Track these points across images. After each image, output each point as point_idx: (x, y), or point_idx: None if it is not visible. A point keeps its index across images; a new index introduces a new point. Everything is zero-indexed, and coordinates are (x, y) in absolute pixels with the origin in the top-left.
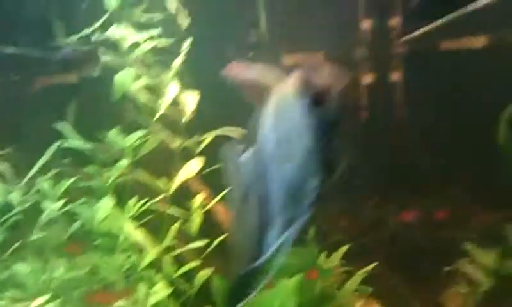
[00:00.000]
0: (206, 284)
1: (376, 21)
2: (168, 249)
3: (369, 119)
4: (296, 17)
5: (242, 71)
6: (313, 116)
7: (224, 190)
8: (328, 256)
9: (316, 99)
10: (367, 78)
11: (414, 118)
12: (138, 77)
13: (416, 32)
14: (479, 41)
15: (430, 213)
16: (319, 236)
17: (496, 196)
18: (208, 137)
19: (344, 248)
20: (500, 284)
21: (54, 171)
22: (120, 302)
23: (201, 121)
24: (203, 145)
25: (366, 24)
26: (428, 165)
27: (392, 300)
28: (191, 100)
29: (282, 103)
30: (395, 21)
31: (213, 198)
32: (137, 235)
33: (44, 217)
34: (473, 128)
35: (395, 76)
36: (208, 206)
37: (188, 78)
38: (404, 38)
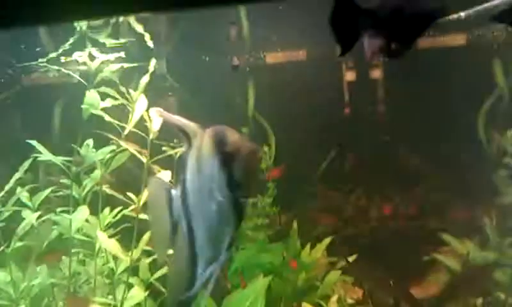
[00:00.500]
0: None
1: None
2: (145, 255)
3: (351, 115)
4: (276, 17)
5: (165, 116)
6: (225, 172)
7: None
8: (312, 248)
9: (227, 157)
10: (349, 76)
11: (393, 113)
12: (106, 96)
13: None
14: (457, 39)
15: (409, 205)
16: (302, 229)
17: (475, 190)
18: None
19: (327, 240)
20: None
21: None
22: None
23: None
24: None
25: None
26: (408, 159)
27: (374, 288)
28: (157, 117)
29: (201, 156)
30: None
31: None
32: (109, 242)
33: (23, 226)
34: (452, 123)
35: (376, 73)
36: None
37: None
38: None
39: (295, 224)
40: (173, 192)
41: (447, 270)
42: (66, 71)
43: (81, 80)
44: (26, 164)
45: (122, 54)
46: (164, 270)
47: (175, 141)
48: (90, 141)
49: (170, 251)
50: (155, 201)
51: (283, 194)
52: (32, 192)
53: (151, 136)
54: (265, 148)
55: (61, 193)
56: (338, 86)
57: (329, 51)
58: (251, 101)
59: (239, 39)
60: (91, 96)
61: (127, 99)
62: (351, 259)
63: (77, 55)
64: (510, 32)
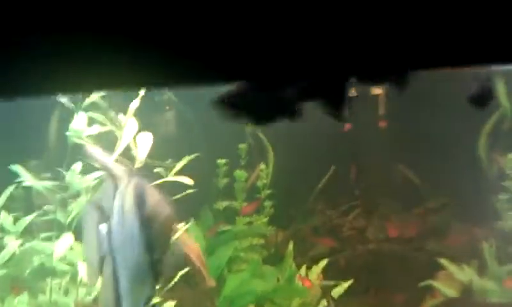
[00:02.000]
0: None
1: None
2: None
3: (351, 132)
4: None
5: (95, 155)
6: (142, 233)
7: (189, 220)
8: (308, 269)
9: (145, 220)
10: (349, 91)
11: (393, 133)
12: (94, 122)
13: None
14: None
15: (408, 227)
16: (298, 249)
17: (474, 213)
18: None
19: (323, 263)
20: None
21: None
22: None
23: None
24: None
25: None
26: (407, 179)
27: None
28: (145, 143)
29: (124, 207)
30: None
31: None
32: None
33: (3, 255)
34: (453, 144)
35: (377, 90)
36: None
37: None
38: None
39: (290, 246)
40: (102, 227)
41: (443, 297)
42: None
43: (69, 103)
44: (9, 190)
45: None
46: (153, 301)
47: (168, 161)
48: (77, 166)
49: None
50: (88, 234)
51: (280, 213)
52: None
53: (136, 165)
54: (263, 166)
55: (46, 218)
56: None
57: None
58: None
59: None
60: (77, 123)
61: (115, 125)
62: (344, 286)
63: None
64: None
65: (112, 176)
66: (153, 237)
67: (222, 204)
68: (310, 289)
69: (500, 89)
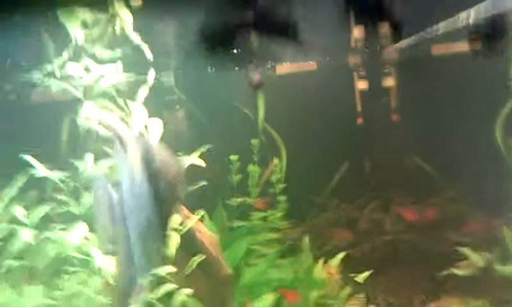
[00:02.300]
0: (184, 305)
1: (367, 28)
2: None
3: (364, 125)
4: (288, 27)
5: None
6: (152, 189)
7: (203, 209)
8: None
9: (153, 176)
10: (361, 85)
11: (408, 123)
12: (103, 108)
13: (408, 39)
14: (472, 45)
15: (426, 216)
16: (315, 244)
17: (493, 201)
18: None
19: (341, 255)
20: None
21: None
22: None
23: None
24: None
25: (357, 32)
26: (423, 170)
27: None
28: (156, 128)
29: (132, 168)
30: (386, 28)
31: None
32: (105, 260)
33: (18, 245)
34: (468, 132)
35: (389, 82)
36: (187, 227)
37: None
38: (396, 45)
39: (307, 239)
40: (114, 197)
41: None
42: (62, 84)
43: (77, 93)
44: (20, 180)
45: (120, 65)
46: (166, 288)
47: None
48: (90, 156)
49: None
50: (99, 203)
51: (295, 207)
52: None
53: None
54: (276, 160)
55: (60, 210)
56: (350, 96)
57: (340, 61)
58: (262, 112)
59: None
60: (87, 108)
61: (125, 112)
62: (362, 276)
63: (71, 68)
64: None
65: (121, 141)
66: (163, 193)
67: (236, 200)
68: (329, 280)
69: None
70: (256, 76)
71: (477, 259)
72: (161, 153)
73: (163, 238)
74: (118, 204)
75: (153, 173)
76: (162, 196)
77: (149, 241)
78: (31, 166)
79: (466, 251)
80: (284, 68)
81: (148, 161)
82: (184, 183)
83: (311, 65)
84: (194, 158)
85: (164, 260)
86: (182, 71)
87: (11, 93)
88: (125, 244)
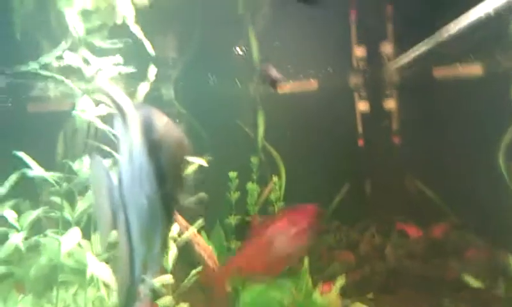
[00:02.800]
0: None
1: (369, 48)
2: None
3: (365, 147)
4: (290, 45)
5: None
6: (152, 162)
7: (201, 220)
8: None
9: (153, 146)
10: (362, 106)
11: (410, 146)
12: (99, 104)
13: (409, 59)
14: (473, 68)
15: (428, 242)
16: (315, 266)
17: (497, 229)
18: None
19: (341, 280)
20: None
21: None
22: None
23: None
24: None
25: (359, 51)
26: (425, 193)
27: None
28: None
29: (131, 141)
30: (388, 48)
31: (191, 228)
32: (100, 268)
33: (5, 249)
34: (471, 157)
35: (390, 104)
36: (184, 238)
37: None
38: (397, 65)
39: (306, 261)
40: (113, 177)
41: None
42: (58, 77)
43: (74, 87)
44: (12, 179)
45: (119, 59)
46: (165, 301)
47: None
48: (86, 157)
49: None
50: (97, 186)
51: None
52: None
53: None
54: (275, 179)
55: (52, 214)
56: (351, 116)
57: (341, 81)
58: (261, 130)
59: (249, 66)
60: (84, 102)
61: None
62: (362, 300)
63: (69, 58)
64: None
65: (121, 113)
66: (164, 167)
67: (234, 218)
68: (328, 304)
69: None
70: (273, 72)
71: (479, 287)
72: (161, 121)
73: (164, 225)
74: (117, 185)
75: (153, 145)
76: (164, 171)
77: (149, 224)
78: (25, 166)
79: (468, 278)
80: (285, 86)
81: (147, 132)
82: (185, 156)
83: (312, 84)
84: (195, 159)
85: (164, 254)
86: (182, 84)
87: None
88: (124, 230)
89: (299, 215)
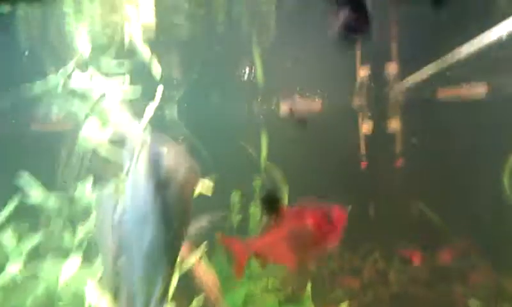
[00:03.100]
0: None
1: (373, 69)
2: None
3: (368, 169)
4: (294, 65)
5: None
6: (158, 199)
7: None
8: None
9: (162, 182)
10: (365, 128)
11: (414, 169)
12: (105, 126)
13: (414, 80)
14: (478, 89)
15: (433, 267)
16: (316, 294)
17: (503, 254)
18: None
19: (344, 305)
20: None
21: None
22: None
23: None
24: None
25: (363, 72)
26: (429, 217)
27: None
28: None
29: (137, 175)
30: (392, 68)
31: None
32: (100, 300)
33: (2, 279)
34: (475, 181)
35: (394, 125)
36: (187, 265)
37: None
38: (401, 86)
39: (309, 287)
40: (117, 214)
41: None
42: (65, 98)
43: (81, 107)
44: (12, 204)
45: (127, 79)
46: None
47: None
48: (89, 181)
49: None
50: (102, 222)
51: None
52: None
53: None
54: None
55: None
56: (354, 138)
57: (345, 102)
58: (264, 152)
59: (253, 87)
60: (88, 127)
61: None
62: None
63: (77, 79)
64: None
65: (128, 142)
66: (171, 204)
67: None
68: None
69: None
70: (299, 107)
71: None
72: (174, 157)
73: (169, 266)
74: (119, 222)
75: (161, 181)
76: (171, 209)
77: (151, 268)
78: (26, 192)
79: (473, 303)
80: (289, 106)
81: (156, 166)
82: (193, 192)
83: (316, 104)
84: (201, 184)
85: (165, 296)
86: (186, 105)
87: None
88: (127, 274)
89: (333, 214)
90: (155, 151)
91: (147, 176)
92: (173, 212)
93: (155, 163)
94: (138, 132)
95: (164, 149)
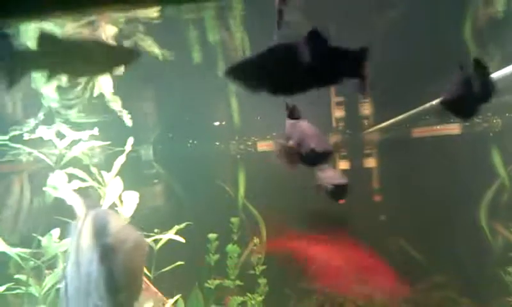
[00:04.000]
0: None
1: (348, 109)
2: None
3: (346, 206)
4: (268, 106)
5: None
6: (103, 270)
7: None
8: None
9: (107, 251)
10: (342, 165)
11: (390, 205)
12: (72, 178)
13: (389, 121)
14: (452, 128)
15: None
16: None
17: (481, 288)
18: None
19: None
20: None
21: None
22: None
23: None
24: None
25: (338, 112)
26: (408, 252)
27: None
28: (130, 201)
29: (79, 246)
30: (367, 109)
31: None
32: None
33: None
34: (452, 215)
35: (369, 162)
36: None
37: None
38: (376, 126)
39: None
40: (61, 287)
41: None
42: (28, 150)
43: (47, 160)
44: None
45: (95, 132)
46: None
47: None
48: (56, 231)
49: None
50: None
51: (276, 291)
52: None
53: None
54: (256, 240)
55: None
56: None
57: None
58: (242, 189)
59: (230, 127)
60: (55, 177)
61: (98, 182)
62: None
63: (42, 132)
64: (507, 118)
65: (76, 215)
66: (117, 275)
67: (213, 282)
68: None
69: (496, 157)
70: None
71: None
72: (119, 229)
73: None
74: (64, 298)
75: (105, 251)
76: (117, 279)
77: None
78: None
79: None
80: (265, 144)
81: (99, 237)
82: (143, 264)
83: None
84: (172, 235)
85: None
86: (161, 145)
87: None
88: None
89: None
90: (99, 222)
91: (90, 247)
92: (119, 283)
93: (99, 234)
94: (80, 205)
95: (109, 221)
